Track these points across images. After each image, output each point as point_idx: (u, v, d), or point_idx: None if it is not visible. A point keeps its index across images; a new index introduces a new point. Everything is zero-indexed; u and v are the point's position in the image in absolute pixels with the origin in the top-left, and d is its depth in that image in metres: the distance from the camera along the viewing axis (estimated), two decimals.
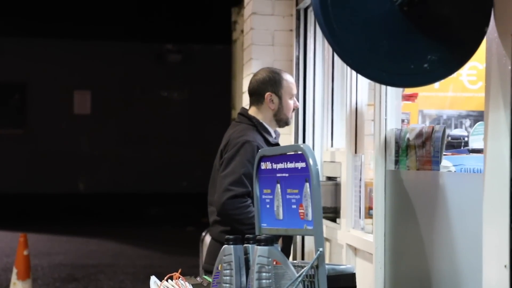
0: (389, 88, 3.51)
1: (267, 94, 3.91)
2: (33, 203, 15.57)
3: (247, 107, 4.03)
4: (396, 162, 3.43)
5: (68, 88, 16.42)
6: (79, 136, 16.46)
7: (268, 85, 3.92)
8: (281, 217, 2.48)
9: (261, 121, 3.92)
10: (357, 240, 4.10)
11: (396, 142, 3.44)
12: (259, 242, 2.33)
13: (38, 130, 16.33)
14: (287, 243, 3.92)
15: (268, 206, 2.57)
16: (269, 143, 3.89)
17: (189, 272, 3.51)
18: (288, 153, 2.53)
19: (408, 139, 3.35)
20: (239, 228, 3.71)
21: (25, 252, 5.86)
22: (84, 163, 16.48)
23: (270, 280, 2.28)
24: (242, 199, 3.74)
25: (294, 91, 3.96)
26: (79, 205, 15.87)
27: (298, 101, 4.07)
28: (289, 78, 3.96)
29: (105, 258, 10.23)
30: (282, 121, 3.95)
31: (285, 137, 5.48)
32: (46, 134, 16.33)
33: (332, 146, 5.06)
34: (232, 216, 3.75)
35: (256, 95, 3.96)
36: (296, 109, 4.02)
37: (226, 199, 3.73)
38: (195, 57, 16.78)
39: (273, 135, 3.97)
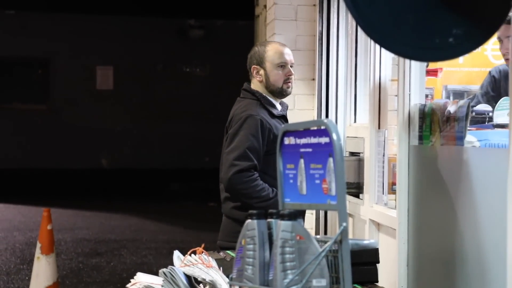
0: (413, 63, 3.50)
1: (253, 67, 4.00)
2: (57, 179, 15.69)
3: None
4: (420, 137, 3.43)
5: (90, 64, 16.47)
6: (102, 112, 16.52)
7: (253, 59, 4.01)
8: (304, 192, 2.48)
9: (264, 94, 3.95)
10: (380, 216, 4.11)
11: (420, 118, 3.43)
12: (282, 217, 2.34)
13: (60, 105, 16.42)
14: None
15: (291, 181, 2.58)
16: (274, 116, 3.91)
17: (211, 247, 3.54)
18: (311, 128, 2.53)
19: (432, 114, 3.34)
20: (248, 202, 3.74)
21: (49, 227, 5.91)
22: (107, 139, 16.57)
23: (294, 255, 2.28)
24: (248, 173, 3.76)
25: (283, 60, 3.95)
26: (102, 181, 15.98)
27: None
28: (274, 48, 3.98)
29: (128, 233, 10.32)
30: (275, 92, 3.99)
31: (308, 112, 5.48)
32: (68, 110, 16.42)
33: (355, 121, 5.05)
34: (240, 191, 3.78)
35: (248, 69, 4.05)
36: (290, 77, 3.98)
37: (232, 174, 3.76)
38: (217, 33, 16.75)
39: (278, 107, 3.99)
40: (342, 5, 5.11)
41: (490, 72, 3.87)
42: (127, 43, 16.43)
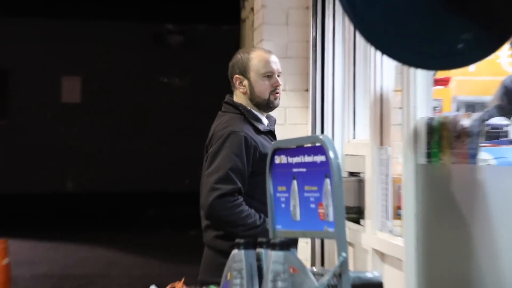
0: (418, 71, 3.52)
1: (235, 77, 4.01)
2: (14, 205, 15.62)
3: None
4: (428, 155, 3.44)
5: (55, 73, 16.45)
6: (68, 128, 16.48)
7: (235, 68, 4.02)
8: (298, 218, 2.49)
9: (249, 108, 3.96)
10: (385, 244, 4.11)
11: (428, 133, 3.45)
12: (273, 247, 2.34)
13: (21, 121, 16.38)
14: None
15: (283, 205, 2.58)
16: (260, 132, 3.93)
17: (192, 282, 3.53)
18: (305, 145, 2.53)
19: (441, 129, 3.36)
20: (233, 231, 3.74)
21: (5, 261, 5.88)
22: (73, 159, 16.52)
23: None
24: (231, 198, 3.76)
25: (269, 69, 3.97)
26: (67, 207, 15.91)
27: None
28: (259, 56, 4.00)
29: (97, 267, 10.27)
30: (261, 105, 3.99)
31: (301, 127, 5.50)
32: (30, 126, 16.38)
33: (354, 137, 5.07)
34: (222, 218, 3.78)
35: (230, 79, 4.06)
36: (277, 88, 3.99)
37: (213, 200, 3.75)
38: (199, 39, 16.79)
39: (265, 122, 4.01)
40: (338, 8, 5.14)
41: (502, 82, 3.90)
42: (97, 50, 16.43)
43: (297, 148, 2.55)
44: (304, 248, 5.31)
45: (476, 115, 3.21)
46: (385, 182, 4.23)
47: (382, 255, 4.20)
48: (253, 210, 3.79)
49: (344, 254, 2.26)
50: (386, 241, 4.10)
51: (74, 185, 16.71)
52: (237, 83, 4.01)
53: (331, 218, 2.33)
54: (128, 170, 16.58)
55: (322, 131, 5.28)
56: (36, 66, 16.29)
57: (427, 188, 3.44)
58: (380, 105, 4.31)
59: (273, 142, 2.99)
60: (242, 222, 3.75)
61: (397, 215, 4.11)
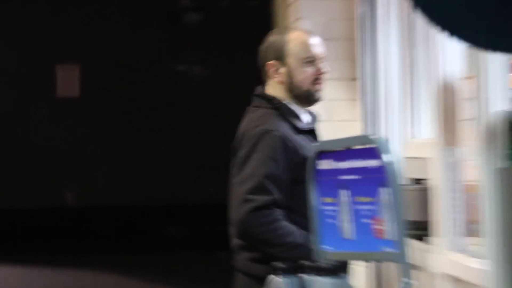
0: (491, 55, 3.51)
1: (269, 64, 4.04)
2: (4, 223, 15.70)
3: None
4: (510, 156, 3.43)
5: (48, 62, 16.51)
6: (65, 129, 16.55)
7: (269, 52, 4.06)
8: (349, 235, 2.50)
9: (285, 101, 3.97)
10: (459, 267, 4.10)
11: (509, 129, 3.44)
12: (319, 271, 2.35)
13: (7, 120, 16.46)
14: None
15: (330, 220, 2.59)
16: (299, 131, 3.95)
17: None
18: (355, 147, 2.54)
19: None
20: (269, 251, 3.75)
21: None
22: (72, 166, 16.59)
23: None
24: (266, 211, 3.78)
25: (311, 53, 4.01)
26: (67, 225, 15.97)
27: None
28: (298, 38, 4.04)
29: None
30: (301, 97, 4.02)
31: (349, 124, 5.50)
32: (18, 126, 16.46)
33: (415, 136, 5.06)
34: (256, 236, 3.80)
35: (262, 67, 4.09)
36: (321, 77, 4.01)
37: (245, 214, 3.78)
38: (221, 17, 16.81)
39: (305, 119, 4.02)
40: None
41: None
42: (99, 33, 16.49)
43: (345, 150, 2.56)
44: (356, 272, 5.31)
45: None
46: (456, 191, 4.22)
47: (456, 281, 4.18)
48: (294, 227, 3.80)
49: (407, 280, 2.27)
50: (460, 264, 4.09)
51: (74, 198, 16.78)
52: (271, 70, 4.03)
53: (390, 235, 2.34)
54: (140, 179, 16.61)
55: (376, 129, 5.28)
56: (25, 54, 16.36)
57: (510, 197, 3.43)
58: (447, 96, 4.31)
59: (315, 144, 3.00)
60: (279, 240, 3.76)
61: (471, 231, 4.10)
